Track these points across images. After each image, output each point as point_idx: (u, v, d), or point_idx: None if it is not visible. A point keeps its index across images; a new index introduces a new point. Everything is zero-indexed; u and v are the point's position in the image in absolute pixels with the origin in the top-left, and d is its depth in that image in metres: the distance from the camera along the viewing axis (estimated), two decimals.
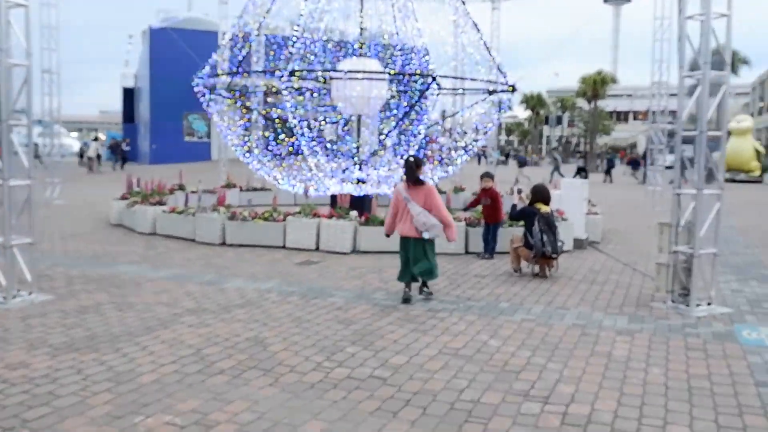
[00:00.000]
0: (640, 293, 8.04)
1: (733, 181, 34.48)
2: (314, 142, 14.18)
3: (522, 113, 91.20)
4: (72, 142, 55.61)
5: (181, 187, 17.30)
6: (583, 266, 9.82)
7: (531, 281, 8.63)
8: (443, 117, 19.66)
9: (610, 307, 7.33)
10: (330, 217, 10.97)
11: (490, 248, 10.33)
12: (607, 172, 35.96)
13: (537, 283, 8.51)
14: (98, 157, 37.50)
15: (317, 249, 10.87)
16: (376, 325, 6.46)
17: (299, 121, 13.11)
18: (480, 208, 10.64)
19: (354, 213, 11.13)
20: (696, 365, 5.35)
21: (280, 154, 14.64)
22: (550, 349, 5.74)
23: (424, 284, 7.74)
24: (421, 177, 7.64)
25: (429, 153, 15.83)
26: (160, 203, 12.92)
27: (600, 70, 59.30)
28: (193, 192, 17.61)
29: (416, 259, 7.45)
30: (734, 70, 49.70)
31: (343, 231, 10.69)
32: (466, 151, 15.61)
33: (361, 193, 13.90)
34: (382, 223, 10.73)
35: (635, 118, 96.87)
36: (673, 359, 5.50)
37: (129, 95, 56.85)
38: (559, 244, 8.69)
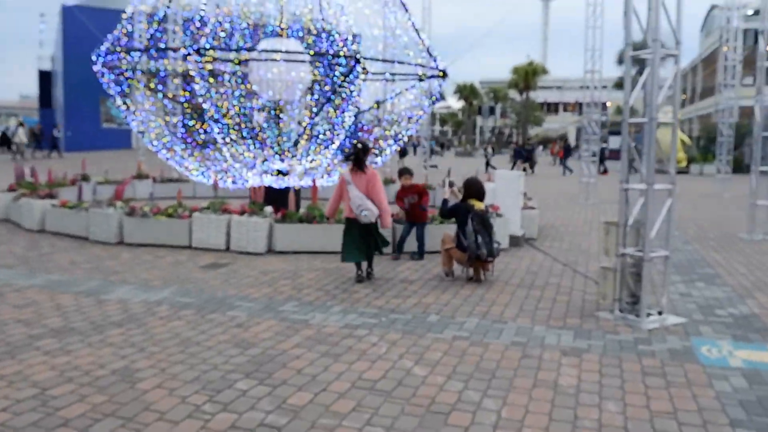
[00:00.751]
0: (584, 300, 7.21)
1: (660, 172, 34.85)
2: (232, 131, 12.92)
3: (455, 103, 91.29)
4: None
5: (84, 178, 15.71)
6: (520, 267, 8.97)
7: (464, 287, 7.70)
8: (377, 105, 18.74)
9: (552, 318, 6.45)
10: (242, 213, 9.78)
11: (418, 250, 9.39)
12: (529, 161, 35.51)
13: (470, 289, 7.59)
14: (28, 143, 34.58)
15: (227, 249, 9.67)
16: (280, 348, 5.37)
17: (211, 106, 11.82)
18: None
19: (269, 209, 9.97)
20: (657, 397, 4.49)
21: (194, 142, 13.29)
22: (486, 378, 4.78)
23: (370, 267, 8.06)
24: (366, 163, 7.89)
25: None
26: (51, 196, 11.40)
27: (531, 61, 59.54)
28: (100, 183, 16.11)
29: (369, 239, 7.91)
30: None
31: (256, 229, 9.52)
32: (395, 141, 14.63)
33: (282, 186, 12.75)
34: (301, 219, 9.64)
35: (565, 110, 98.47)
36: (630, 389, 4.63)
37: (46, 78, 53.45)
38: (495, 245, 7.78)
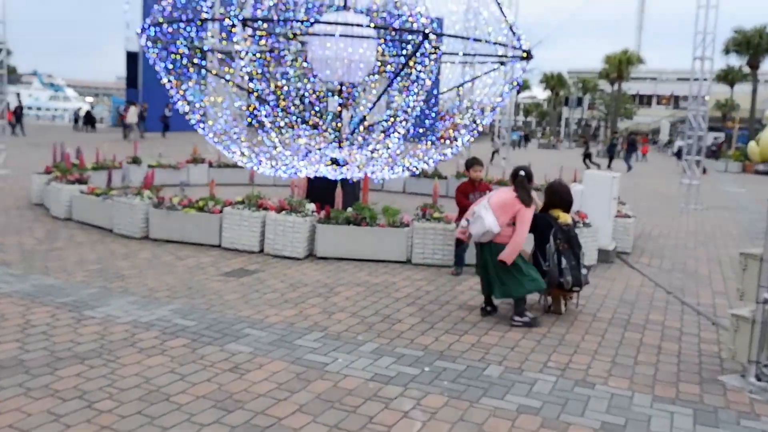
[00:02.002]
0: (701, 353, 5.41)
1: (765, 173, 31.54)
2: (283, 113, 11.57)
3: (541, 93, 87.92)
4: (82, 105, 52.77)
5: (135, 161, 14.78)
6: (612, 293, 7.19)
7: (539, 321, 6.02)
8: (458, 90, 16.99)
9: (659, 382, 4.71)
10: (279, 210, 8.38)
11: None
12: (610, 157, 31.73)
13: (547, 325, 5.91)
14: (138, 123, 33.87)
15: (261, 251, 8.31)
16: (274, 414, 3.89)
17: (262, 84, 10.50)
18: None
19: (311, 206, 8.52)
20: None
21: (253, 124, 12.03)
22: None
23: (487, 303, 6.22)
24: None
25: (442, 133, 13.16)
26: (80, 181, 10.35)
27: (626, 49, 56.01)
28: (151, 167, 15.14)
29: (496, 275, 5.93)
30: (758, 53, 46.21)
31: (295, 230, 8.11)
32: (469, 131, 12.93)
33: (335, 178, 11.31)
34: (348, 221, 8.18)
35: (659, 103, 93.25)
36: None
37: (132, 59, 54.17)
38: (584, 271, 6.04)
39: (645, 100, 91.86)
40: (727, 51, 47.61)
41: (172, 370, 4.45)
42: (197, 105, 11.46)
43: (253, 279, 7.05)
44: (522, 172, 5.94)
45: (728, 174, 32.14)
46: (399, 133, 11.90)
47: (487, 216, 5.74)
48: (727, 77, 57.97)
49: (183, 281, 6.81)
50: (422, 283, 7.20)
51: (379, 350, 5.05)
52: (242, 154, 11.60)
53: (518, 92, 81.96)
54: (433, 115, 14.78)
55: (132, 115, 33.17)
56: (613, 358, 5.15)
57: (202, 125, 11.61)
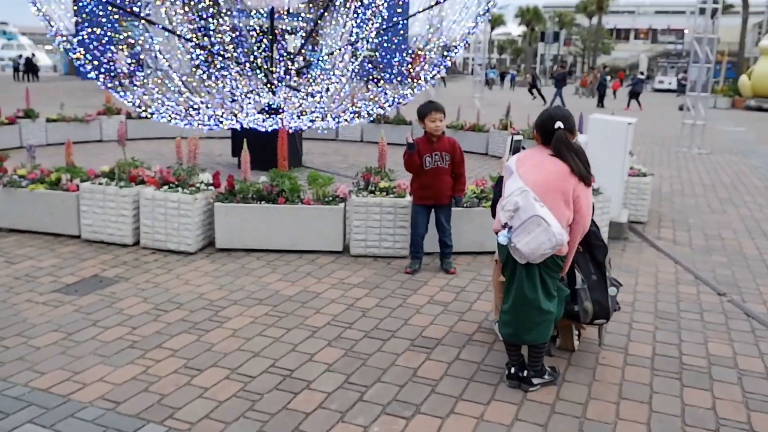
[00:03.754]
0: None
1: (762, 110, 29.34)
2: (196, 50, 8.96)
3: (516, 30, 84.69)
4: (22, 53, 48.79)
5: (29, 114, 12.02)
6: (640, 298, 4.88)
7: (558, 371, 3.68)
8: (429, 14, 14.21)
9: None
10: (162, 184, 5.86)
11: (442, 252, 5.39)
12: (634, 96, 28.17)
13: (555, 367, 3.58)
14: None
15: (136, 244, 5.85)
16: None
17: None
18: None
19: (206, 176, 5.99)
20: None
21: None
22: None
23: (527, 367, 3.48)
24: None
25: (410, 71, 10.59)
26: None
27: None
28: (51, 121, 12.45)
29: (522, 299, 3.32)
30: None
31: (182, 212, 5.63)
32: (435, 67, 10.41)
33: (269, 128, 8.82)
34: (260, 196, 5.77)
35: (636, 37, 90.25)
36: None
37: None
38: (612, 291, 3.63)
39: (623, 35, 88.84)
40: None
41: None
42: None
43: (104, 297, 4.61)
44: (560, 123, 3.26)
45: (718, 111, 29.83)
46: (342, 71, 9.35)
47: (551, 219, 3.09)
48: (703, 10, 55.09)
49: None
50: (360, 293, 4.81)
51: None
52: (140, 104, 9.03)
53: (492, 28, 78.43)
54: (393, 48, 12.18)
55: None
56: None
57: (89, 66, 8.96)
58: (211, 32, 9.56)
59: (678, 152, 13.78)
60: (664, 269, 5.66)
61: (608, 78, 29.89)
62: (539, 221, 3.04)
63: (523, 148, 3.86)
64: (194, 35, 9.32)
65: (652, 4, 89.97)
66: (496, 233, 3.23)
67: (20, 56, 43.75)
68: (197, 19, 9.39)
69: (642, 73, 37.28)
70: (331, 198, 5.81)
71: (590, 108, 23.73)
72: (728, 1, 47.35)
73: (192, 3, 9.28)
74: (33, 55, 43.49)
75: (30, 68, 39.26)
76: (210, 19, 9.48)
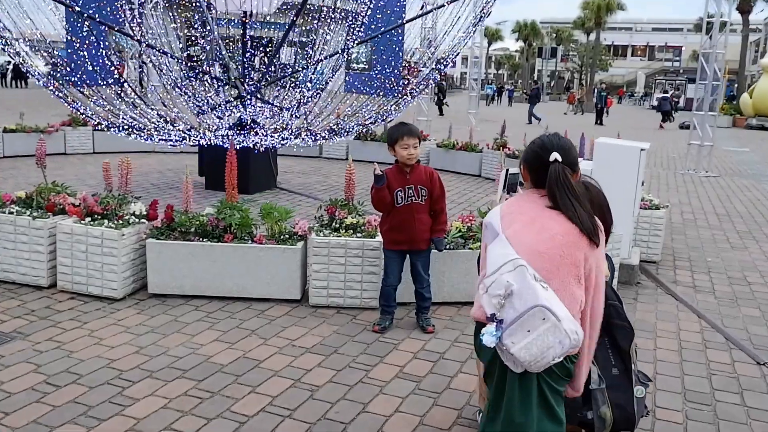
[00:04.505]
0: None
1: (764, 129, 28.50)
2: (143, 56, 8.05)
3: (513, 45, 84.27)
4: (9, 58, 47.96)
5: None
6: (664, 371, 3.91)
7: None
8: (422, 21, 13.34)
9: None
10: (86, 215, 4.87)
11: (419, 306, 4.40)
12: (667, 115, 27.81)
13: None
14: None
15: (53, 286, 4.86)
16: None
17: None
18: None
19: (139, 207, 5.00)
20: None
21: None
22: None
23: None
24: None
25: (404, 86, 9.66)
26: None
27: None
28: (7, 131, 11.53)
29: (510, 424, 2.22)
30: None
31: (106, 250, 4.65)
32: (423, 81, 9.53)
33: (237, 146, 7.84)
34: (203, 231, 4.80)
35: (633, 54, 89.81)
36: None
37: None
38: (639, 391, 2.66)
39: (620, 51, 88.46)
40: None
41: None
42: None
43: None
44: (556, 155, 2.22)
45: (719, 130, 28.97)
46: (320, 84, 8.45)
47: (561, 310, 2.05)
48: (708, 25, 54.65)
49: None
50: (313, 361, 3.83)
51: None
52: (92, 115, 8.14)
53: (489, 43, 77.80)
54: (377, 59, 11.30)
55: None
56: None
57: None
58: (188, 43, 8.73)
59: (684, 175, 12.89)
60: (686, 326, 4.70)
61: (605, 95, 29.22)
62: (544, 313, 2.01)
63: (521, 185, 2.93)
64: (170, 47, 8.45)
65: (649, 21, 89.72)
66: (477, 324, 2.23)
67: (8, 63, 42.85)
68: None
69: (666, 92, 36.49)
70: (288, 236, 4.83)
71: (589, 126, 22.92)
72: (725, 19, 46.64)
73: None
74: (23, 62, 42.61)
75: (18, 75, 38.36)
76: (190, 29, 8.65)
